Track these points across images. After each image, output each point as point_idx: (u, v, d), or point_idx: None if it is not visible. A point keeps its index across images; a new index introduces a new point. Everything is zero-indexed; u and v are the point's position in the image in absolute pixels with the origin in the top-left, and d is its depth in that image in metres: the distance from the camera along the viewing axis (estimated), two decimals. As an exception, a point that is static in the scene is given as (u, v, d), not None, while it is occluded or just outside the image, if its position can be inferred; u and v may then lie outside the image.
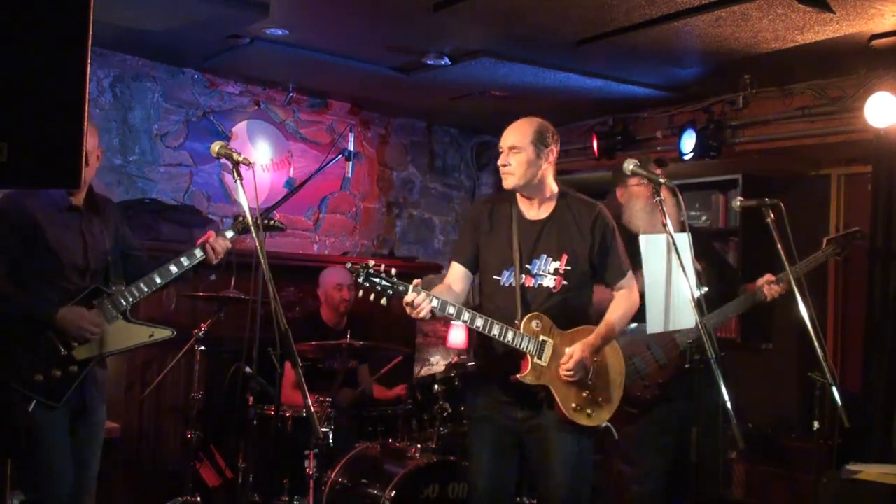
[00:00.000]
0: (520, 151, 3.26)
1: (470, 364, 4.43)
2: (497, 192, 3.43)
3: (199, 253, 3.43)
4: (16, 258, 3.18)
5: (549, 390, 3.22)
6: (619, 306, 3.31)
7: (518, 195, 3.35)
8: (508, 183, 3.30)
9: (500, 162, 3.32)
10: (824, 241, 4.10)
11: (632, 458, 3.96)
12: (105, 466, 3.51)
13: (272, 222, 3.71)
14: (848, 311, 5.52)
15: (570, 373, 3.16)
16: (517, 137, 3.29)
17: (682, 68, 4.83)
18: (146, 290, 3.36)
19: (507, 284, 3.27)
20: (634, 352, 3.76)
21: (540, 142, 3.27)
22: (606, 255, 3.30)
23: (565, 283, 3.25)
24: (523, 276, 3.27)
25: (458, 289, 3.34)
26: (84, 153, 1.89)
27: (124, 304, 3.32)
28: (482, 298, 3.39)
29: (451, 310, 3.08)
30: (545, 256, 3.27)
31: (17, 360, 3.13)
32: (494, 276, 3.30)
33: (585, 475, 3.27)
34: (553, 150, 3.30)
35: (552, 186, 3.35)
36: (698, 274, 3.97)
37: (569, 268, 3.25)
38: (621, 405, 3.35)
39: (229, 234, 3.52)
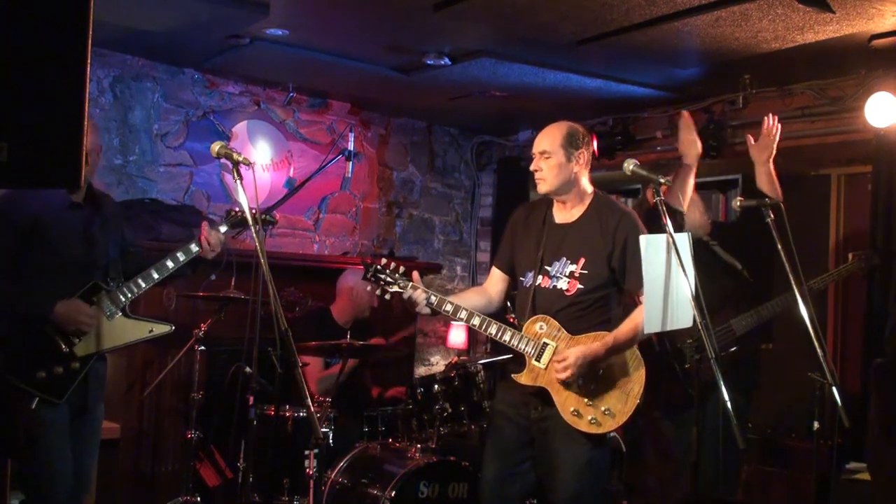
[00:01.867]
0: (550, 156, 3.30)
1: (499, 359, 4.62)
2: (539, 198, 3.48)
3: (194, 247, 3.48)
4: (15, 256, 3.20)
5: (548, 393, 3.22)
6: (631, 318, 3.21)
7: (554, 199, 3.40)
8: (541, 188, 3.35)
9: (531, 167, 3.37)
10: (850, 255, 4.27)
11: (676, 450, 3.93)
12: (105, 466, 3.52)
13: (265, 216, 3.74)
14: (848, 311, 5.52)
15: (562, 372, 3.15)
16: (547, 142, 3.32)
17: (681, 68, 4.83)
18: (144, 285, 3.40)
19: (527, 285, 3.35)
20: (691, 333, 3.75)
21: (570, 145, 3.30)
22: (627, 260, 3.23)
23: (580, 286, 3.24)
24: (541, 276, 3.31)
25: (494, 291, 3.53)
26: (84, 153, 1.89)
27: (123, 299, 3.37)
28: (515, 299, 3.50)
29: (448, 307, 3.27)
30: (565, 259, 3.29)
31: (18, 357, 3.15)
32: (521, 278, 3.41)
33: (592, 483, 3.24)
34: (584, 153, 3.31)
35: (586, 189, 3.37)
36: (738, 271, 3.99)
37: (584, 271, 3.24)
38: (678, 386, 3.34)
39: (223, 227, 3.56)
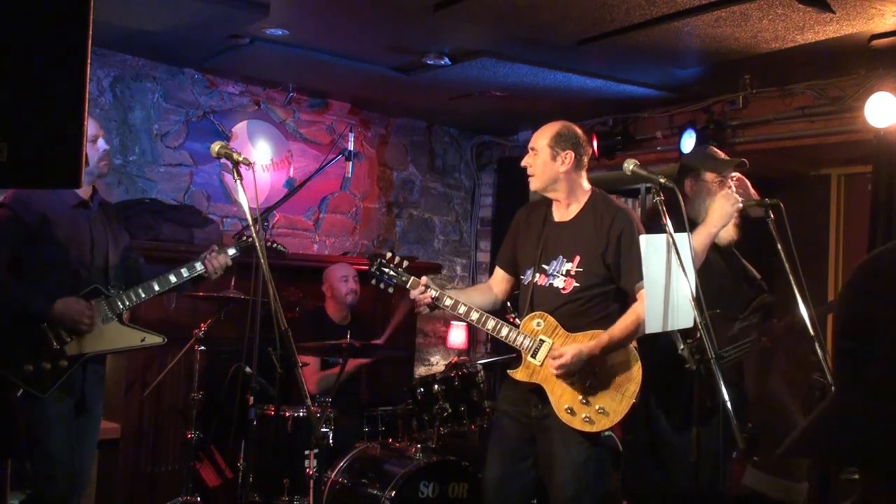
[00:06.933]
0: (537, 154, 3.35)
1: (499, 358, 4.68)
2: (541, 198, 3.51)
3: (199, 266, 3.53)
4: (19, 253, 3.22)
5: (543, 390, 3.23)
6: (625, 317, 3.21)
7: (551, 198, 3.42)
8: (531, 185, 3.40)
9: (522, 163, 3.41)
10: None
11: (667, 454, 3.89)
12: (105, 466, 3.52)
13: (275, 245, 3.82)
14: (848, 311, 5.51)
15: (557, 370, 3.15)
16: (535, 139, 3.38)
17: (682, 68, 4.83)
18: (144, 295, 3.45)
19: (526, 283, 3.39)
20: (690, 334, 3.69)
21: (557, 144, 3.32)
22: (621, 258, 3.24)
23: (576, 284, 3.26)
24: (538, 275, 3.34)
25: (497, 290, 3.57)
26: (84, 153, 1.90)
27: (121, 306, 3.40)
28: (518, 298, 3.53)
29: (448, 301, 3.32)
30: (561, 257, 3.31)
31: (9, 349, 3.18)
32: (521, 276, 3.44)
33: (591, 483, 3.23)
34: (570, 154, 3.31)
35: (582, 188, 3.38)
36: (759, 282, 3.88)
37: (580, 269, 3.26)
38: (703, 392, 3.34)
39: (231, 251, 3.60)
